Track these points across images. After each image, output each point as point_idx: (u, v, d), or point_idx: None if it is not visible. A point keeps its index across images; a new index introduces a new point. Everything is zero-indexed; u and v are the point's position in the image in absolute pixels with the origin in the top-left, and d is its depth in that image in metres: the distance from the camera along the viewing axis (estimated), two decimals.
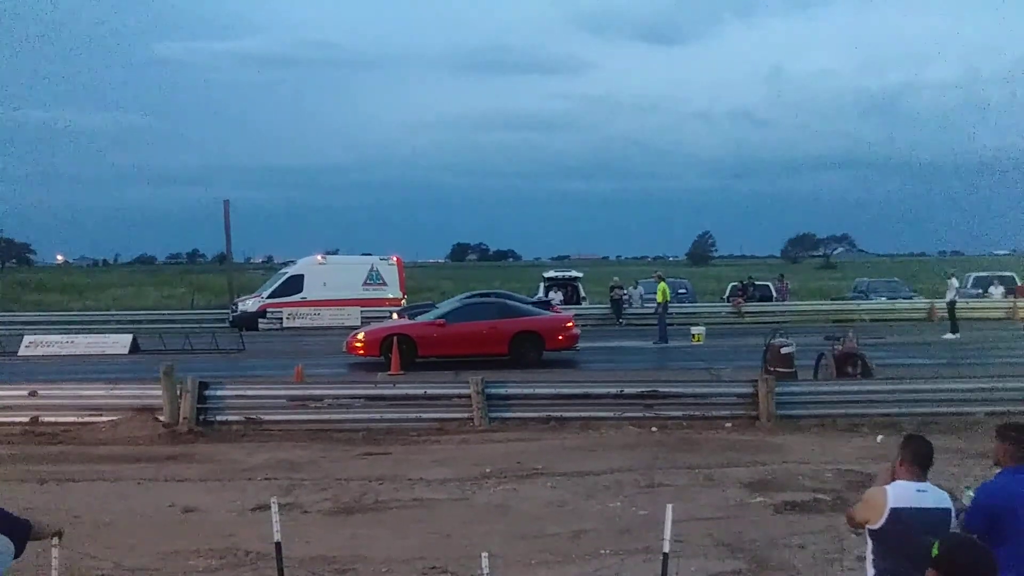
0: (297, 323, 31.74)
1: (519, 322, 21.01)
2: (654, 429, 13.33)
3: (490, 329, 20.54)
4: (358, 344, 20.68)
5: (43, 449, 12.76)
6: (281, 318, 31.93)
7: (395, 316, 26.40)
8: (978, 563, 3.11)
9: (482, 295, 27.08)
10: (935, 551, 3.14)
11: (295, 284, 32.87)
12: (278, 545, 5.83)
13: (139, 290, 62.12)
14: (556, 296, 33.14)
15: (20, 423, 13.81)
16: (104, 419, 13.73)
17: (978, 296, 34.87)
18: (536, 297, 32.50)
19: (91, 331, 28.12)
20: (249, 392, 14.43)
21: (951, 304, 26.50)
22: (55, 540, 4.81)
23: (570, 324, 21.52)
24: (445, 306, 23.65)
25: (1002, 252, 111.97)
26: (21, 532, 4.20)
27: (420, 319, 21.92)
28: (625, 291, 32.87)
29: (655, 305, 27.18)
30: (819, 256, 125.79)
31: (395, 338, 19.90)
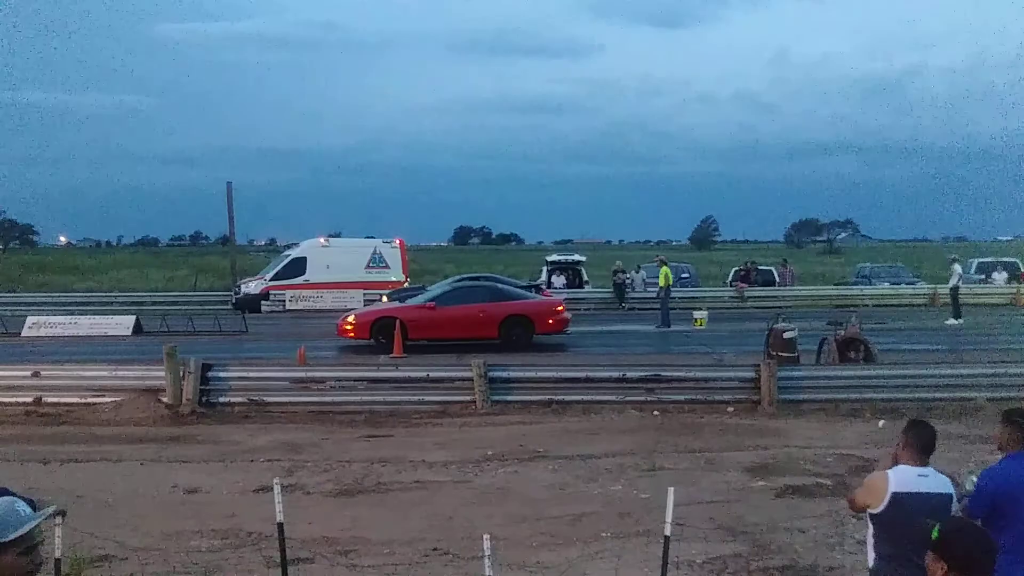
0: (300, 305, 31.76)
1: (509, 306, 21.01)
2: (656, 413, 13.34)
3: (480, 312, 20.56)
4: (348, 327, 20.71)
5: (46, 429, 12.81)
6: (284, 300, 31.97)
7: (384, 299, 26.50)
8: (977, 547, 3.11)
9: (472, 279, 27.10)
10: (935, 534, 3.14)
11: (298, 266, 32.87)
12: (280, 526, 5.85)
13: (142, 272, 62.09)
14: (559, 280, 33.14)
15: (23, 403, 13.85)
16: (107, 400, 13.77)
17: (981, 282, 34.84)
18: (539, 281, 32.52)
19: (94, 312, 28.17)
20: (252, 374, 14.47)
21: (954, 290, 26.44)
22: (58, 519, 4.83)
23: (560, 308, 21.47)
24: (435, 289, 23.68)
25: (1006, 238, 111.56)
26: None
27: (410, 302, 21.91)
28: (628, 275, 32.83)
29: (657, 289, 27.15)
30: (822, 241, 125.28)
31: (397, 321, 19.91)
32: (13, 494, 4.25)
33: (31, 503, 4.28)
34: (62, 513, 4.89)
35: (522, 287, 25.34)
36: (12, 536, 2.61)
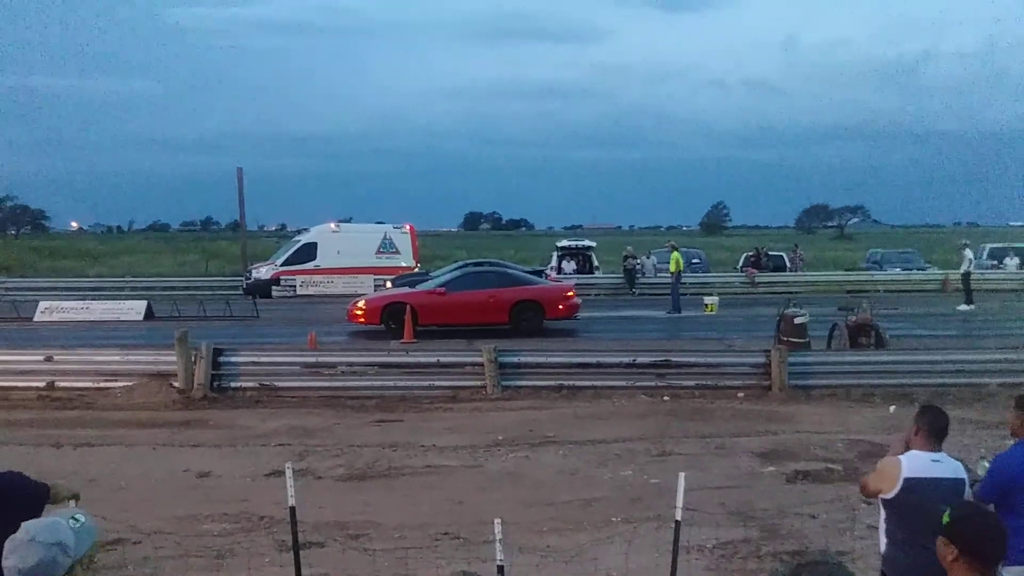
0: (310, 291, 31.83)
1: (519, 291, 21.01)
2: (666, 398, 13.35)
3: (490, 298, 20.56)
4: (358, 312, 20.74)
5: (59, 414, 12.88)
6: (294, 286, 32.03)
7: (388, 284, 26.51)
8: (988, 532, 3.10)
9: (475, 264, 27.09)
10: (946, 519, 3.13)
11: (308, 252, 32.91)
12: (292, 510, 5.86)
13: (153, 257, 62.26)
14: (569, 265, 33.13)
15: (36, 388, 13.92)
16: (119, 385, 13.83)
17: (993, 267, 34.67)
18: (549, 266, 32.53)
19: (106, 297, 28.26)
20: (263, 359, 14.49)
21: (965, 275, 26.30)
22: (72, 503, 4.85)
23: (570, 293, 21.46)
24: (444, 275, 23.69)
25: (1018, 223, 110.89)
26: (40, 495, 4.25)
27: (420, 288, 21.94)
28: (638, 260, 32.78)
29: (668, 275, 27.12)
30: (833, 227, 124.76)
31: (407, 306, 19.93)
32: (28, 478, 4.28)
33: (45, 487, 4.31)
34: (76, 497, 4.91)
35: (526, 272, 25.32)
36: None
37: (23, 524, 2.66)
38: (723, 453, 10.33)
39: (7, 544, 2.58)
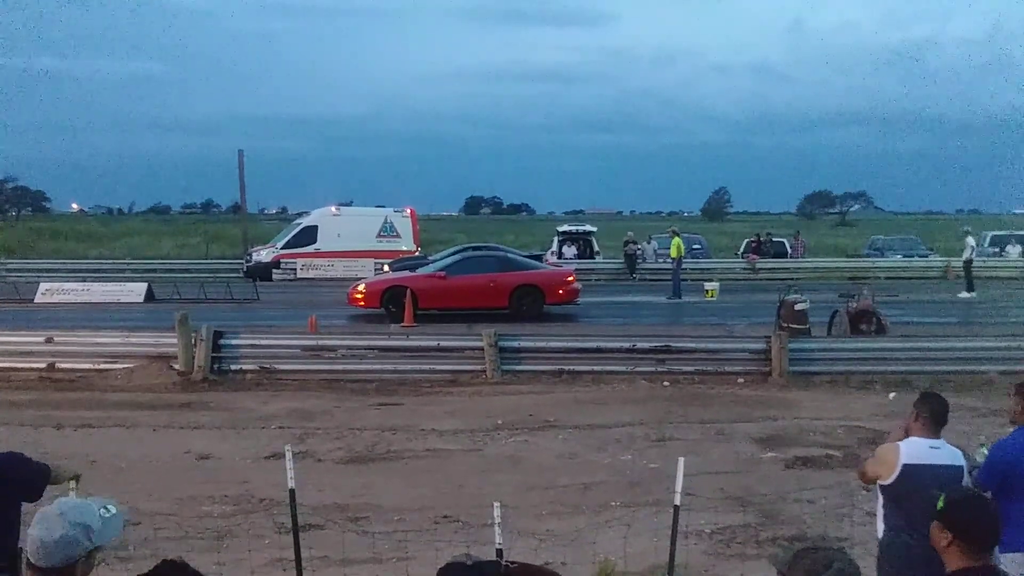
0: (311, 274, 31.80)
1: (520, 275, 21.03)
2: (666, 384, 13.35)
3: (490, 282, 20.57)
4: (358, 296, 20.74)
5: (60, 395, 12.90)
6: (295, 269, 32.00)
7: (386, 268, 26.53)
8: (982, 517, 3.11)
9: (473, 249, 27.08)
10: (940, 504, 3.14)
11: (309, 235, 32.84)
12: (292, 492, 5.88)
13: (154, 239, 62.10)
14: (570, 250, 33.10)
15: (37, 369, 13.93)
16: (120, 366, 13.85)
17: (995, 255, 34.63)
18: (551, 250, 32.50)
19: (106, 279, 28.24)
20: (263, 342, 14.51)
21: (967, 262, 26.28)
22: (72, 484, 4.86)
23: (570, 278, 21.46)
24: (443, 259, 23.70)
25: (1020, 211, 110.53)
26: (41, 476, 4.26)
27: (420, 271, 21.95)
28: (639, 246, 32.74)
29: (669, 260, 27.10)
30: (835, 213, 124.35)
31: (408, 290, 19.93)
32: (29, 459, 4.30)
33: (46, 468, 4.33)
34: (76, 478, 4.92)
35: (526, 257, 25.29)
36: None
37: (57, 500, 2.70)
38: (722, 439, 10.35)
39: (36, 514, 2.63)
